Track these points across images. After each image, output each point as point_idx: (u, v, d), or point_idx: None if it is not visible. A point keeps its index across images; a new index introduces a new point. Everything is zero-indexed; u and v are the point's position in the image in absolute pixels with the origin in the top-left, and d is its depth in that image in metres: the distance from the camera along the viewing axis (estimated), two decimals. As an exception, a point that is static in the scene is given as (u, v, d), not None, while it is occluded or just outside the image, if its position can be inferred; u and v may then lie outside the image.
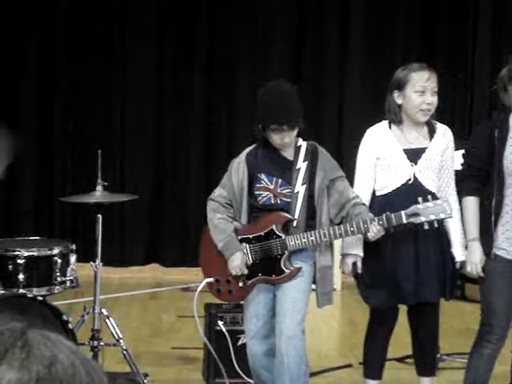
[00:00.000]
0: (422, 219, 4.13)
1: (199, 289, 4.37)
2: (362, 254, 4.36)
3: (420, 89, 4.31)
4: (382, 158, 4.37)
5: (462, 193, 4.31)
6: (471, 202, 4.23)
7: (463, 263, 4.33)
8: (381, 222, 4.12)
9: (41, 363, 0.99)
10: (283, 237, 4.23)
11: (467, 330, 5.94)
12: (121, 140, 8.11)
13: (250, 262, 4.31)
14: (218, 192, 4.36)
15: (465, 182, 4.27)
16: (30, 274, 4.54)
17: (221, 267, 4.35)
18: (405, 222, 4.14)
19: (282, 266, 4.25)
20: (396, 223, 4.14)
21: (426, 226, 4.17)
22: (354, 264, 4.37)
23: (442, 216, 4.14)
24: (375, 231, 4.11)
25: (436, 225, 4.17)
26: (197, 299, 4.41)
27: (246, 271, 4.28)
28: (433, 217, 4.13)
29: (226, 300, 4.56)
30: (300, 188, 4.24)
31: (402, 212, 4.13)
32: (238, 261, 4.27)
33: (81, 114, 8.04)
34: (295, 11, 8.12)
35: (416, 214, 4.13)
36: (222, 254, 4.32)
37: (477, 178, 4.23)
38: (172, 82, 8.07)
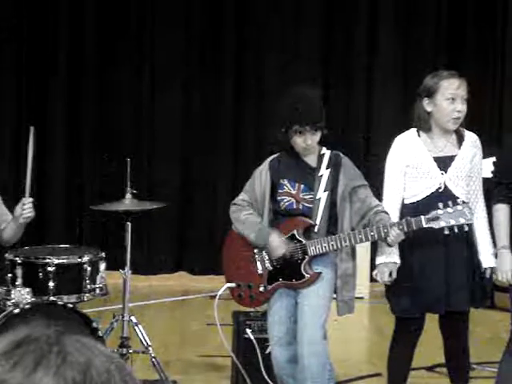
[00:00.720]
0: (442, 224, 4.11)
1: (220, 293, 4.40)
2: (398, 262, 4.33)
3: (450, 96, 4.29)
4: (412, 166, 4.36)
5: (492, 200, 4.28)
6: (502, 210, 4.21)
7: (491, 269, 4.31)
8: (400, 227, 4.12)
9: (76, 369, 0.99)
10: (304, 242, 4.24)
11: (497, 339, 5.89)
12: (149, 148, 8.13)
13: (271, 267, 4.32)
14: (241, 197, 4.42)
15: (495, 190, 4.25)
16: (60, 282, 4.56)
17: (242, 272, 4.38)
18: (424, 226, 4.12)
19: (303, 270, 4.25)
20: (416, 228, 4.13)
21: (446, 231, 4.15)
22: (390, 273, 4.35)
23: (462, 221, 4.12)
24: (394, 235, 4.11)
25: (456, 230, 4.14)
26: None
27: (289, 248, 4.25)
28: (452, 222, 4.11)
29: (247, 305, 4.58)
30: (322, 194, 4.25)
31: (422, 217, 4.12)
32: (277, 240, 4.25)
33: (109, 122, 8.08)
34: (322, 7, 8.13)
35: (436, 219, 4.12)
36: (244, 257, 4.33)
37: (507, 186, 4.20)
38: (199, 86, 8.08)
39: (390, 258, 4.33)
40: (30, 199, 4.36)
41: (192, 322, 6.71)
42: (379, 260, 4.37)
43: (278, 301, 4.32)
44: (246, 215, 4.34)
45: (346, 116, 8.11)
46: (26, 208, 4.31)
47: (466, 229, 4.19)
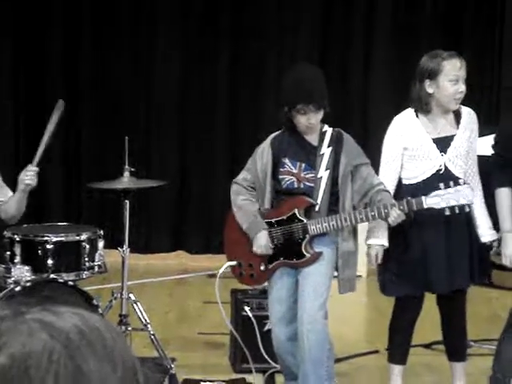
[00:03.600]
0: (443, 204, 4.12)
1: (221, 271, 4.41)
2: (386, 244, 4.34)
3: (454, 78, 4.28)
4: (411, 148, 4.36)
5: (493, 184, 4.28)
6: (504, 194, 4.21)
7: (491, 243, 4.34)
8: (401, 207, 4.13)
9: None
10: (305, 221, 4.25)
11: (494, 317, 5.92)
12: (147, 126, 8.13)
13: (272, 245, 4.33)
14: (242, 175, 4.41)
15: (496, 174, 4.24)
16: (59, 259, 4.56)
17: (243, 251, 4.38)
18: (425, 207, 4.13)
19: (303, 250, 4.27)
20: (417, 208, 4.14)
21: (447, 212, 4.15)
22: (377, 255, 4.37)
23: (463, 202, 4.12)
24: (395, 216, 4.11)
25: (457, 210, 4.15)
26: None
27: (270, 251, 4.29)
28: (454, 202, 4.11)
29: (247, 284, 4.60)
30: (323, 173, 4.25)
31: (423, 197, 4.13)
32: (263, 240, 4.29)
33: (108, 102, 8.06)
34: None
35: (437, 200, 4.12)
36: (245, 236, 4.35)
37: (508, 169, 4.19)
38: (197, 67, 8.06)
39: (379, 240, 4.34)
40: (35, 168, 4.36)
41: (190, 300, 6.73)
42: (369, 240, 4.39)
43: (278, 279, 4.34)
44: (243, 200, 4.34)
45: (344, 96, 8.08)
46: (29, 175, 4.29)
47: (467, 209, 4.20)
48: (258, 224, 4.31)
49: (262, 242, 4.30)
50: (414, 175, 4.36)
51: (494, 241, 4.37)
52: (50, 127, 4.47)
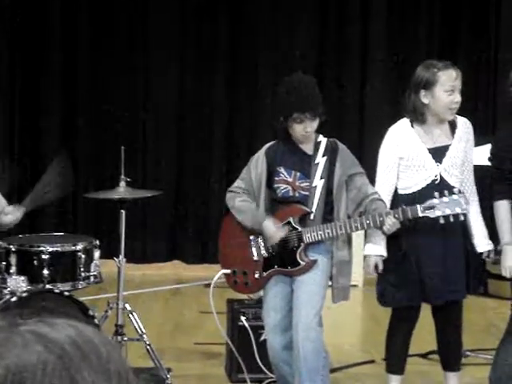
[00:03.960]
0: (437, 213, 4.13)
1: (215, 279, 4.41)
2: (385, 255, 4.34)
3: (449, 88, 4.29)
4: (407, 158, 4.36)
5: (492, 197, 4.28)
6: (503, 207, 4.22)
7: (489, 253, 4.35)
8: (396, 216, 4.14)
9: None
10: (299, 229, 4.26)
11: (490, 326, 5.93)
12: (144, 135, 8.13)
13: (266, 254, 4.33)
14: (237, 184, 4.44)
15: (495, 186, 4.24)
16: (55, 270, 4.56)
17: (238, 259, 4.39)
18: (420, 215, 4.14)
19: (298, 258, 4.27)
20: (411, 217, 4.15)
21: (442, 221, 4.16)
22: (376, 265, 4.37)
23: (458, 211, 4.13)
24: (390, 224, 4.12)
25: (452, 219, 4.15)
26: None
27: (283, 234, 4.27)
28: (448, 211, 4.13)
29: (242, 292, 4.60)
30: (318, 182, 4.27)
31: (418, 205, 4.14)
32: (272, 226, 4.27)
33: (104, 111, 8.06)
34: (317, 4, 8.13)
35: (431, 208, 4.14)
36: (240, 244, 4.35)
37: (507, 182, 4.20)
38: (194, 78, 8.08)
39: (377, 250, 4.34)
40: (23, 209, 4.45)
41: (186, 310, 6.72)
42: (366, 251, 4.39)
43: (273, 288, 4.34)
44: (240, 201, 4.36)
45: (340, 107, 8.08)
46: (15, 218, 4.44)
47: (462, 218, 4.21)
48: (260, 216, 4.30)
49: (271, 230, 4.28)
50: (410, 185, 4.37)
51: (490, 251, 4.38)
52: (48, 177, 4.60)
